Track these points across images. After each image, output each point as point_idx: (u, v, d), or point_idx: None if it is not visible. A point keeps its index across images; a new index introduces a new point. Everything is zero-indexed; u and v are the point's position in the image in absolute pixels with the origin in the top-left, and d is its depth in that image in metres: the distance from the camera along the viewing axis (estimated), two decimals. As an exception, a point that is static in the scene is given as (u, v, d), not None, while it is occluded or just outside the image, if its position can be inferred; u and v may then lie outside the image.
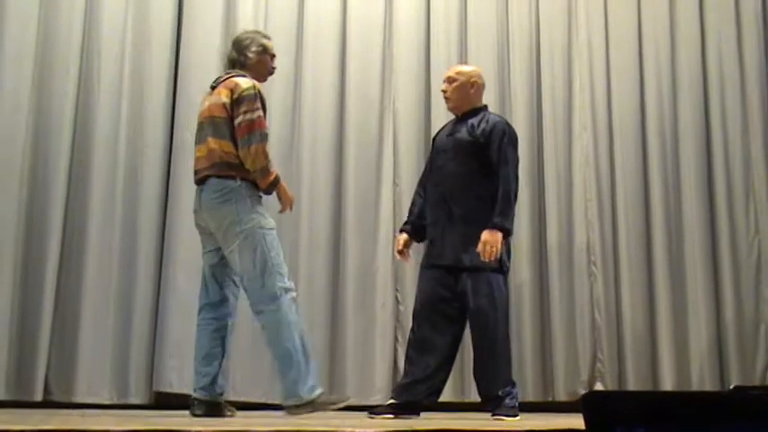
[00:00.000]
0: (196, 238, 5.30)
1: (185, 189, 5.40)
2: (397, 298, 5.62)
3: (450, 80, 4.35)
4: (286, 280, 3.84)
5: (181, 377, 5.18)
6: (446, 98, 4.37)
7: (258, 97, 3.89)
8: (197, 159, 3.99)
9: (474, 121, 4.24)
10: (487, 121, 4.22)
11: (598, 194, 6.07)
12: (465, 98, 4.33)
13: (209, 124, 3.94)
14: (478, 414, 4.26)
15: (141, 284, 5.31)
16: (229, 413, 3.98)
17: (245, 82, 3.91)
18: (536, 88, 6.16)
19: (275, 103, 5.68)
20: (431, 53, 6.04)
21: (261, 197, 3.95)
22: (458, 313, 4.13)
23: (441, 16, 6.09)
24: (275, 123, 5.63)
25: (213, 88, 4.05)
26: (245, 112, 3.83)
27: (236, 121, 3.84)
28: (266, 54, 4.14)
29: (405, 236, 4.40)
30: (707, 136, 6.26)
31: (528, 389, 5.57)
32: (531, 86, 6.15)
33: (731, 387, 0.95)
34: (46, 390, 5.05)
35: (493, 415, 3.99)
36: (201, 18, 5.65)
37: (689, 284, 5.99)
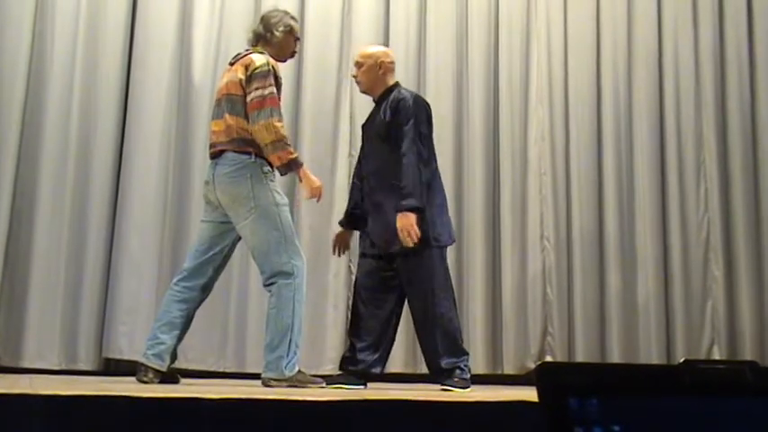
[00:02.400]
0: (150, 203, 5.31)
1: (138, 153, 5.38)
2: (350, 267, 5.62)
3: (358, 65, 4.31)
4: (299, 257, 3.87)
5: (131, 343, 5.15)
6: (357, 82, 4.35)
7: (271, 74, 3.89)
8: (213, 133, 4.00)
9: (385, 102, 4.22)
10: (393, 99, 4.18)
11: (552, 169, 6.11)
12: (375, 80, 4.27)
13: (227, 101, 3.94)
14: (429, 385, 4.29)
15: (92, 249, 5.26)
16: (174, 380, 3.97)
17: (259, 59, 3.91)
18: (493, 63, 6.17)
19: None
20: (389, 24, 6.02)
21: (274, 174, 3.94)
22: (396, 285, 4.15)
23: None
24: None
25: (232, 64, 4.05)
26: (257, 89, 3.84)
27: (248, 98, 3.84)
28: (291, 35, 4.14)
29: (339, 230, 4.41)
30: (660, 113, 6.33)
31: (478, 361, 5.61)
32: (488, 61, 6.16)
33: (681, 361, 0.97)
34: (-7, 354, 4.99)
35: (441, 386, 4.02)
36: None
37: (639, 260, 6.07)
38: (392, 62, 4.36)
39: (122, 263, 5.25)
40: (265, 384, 3.76)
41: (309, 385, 3.77)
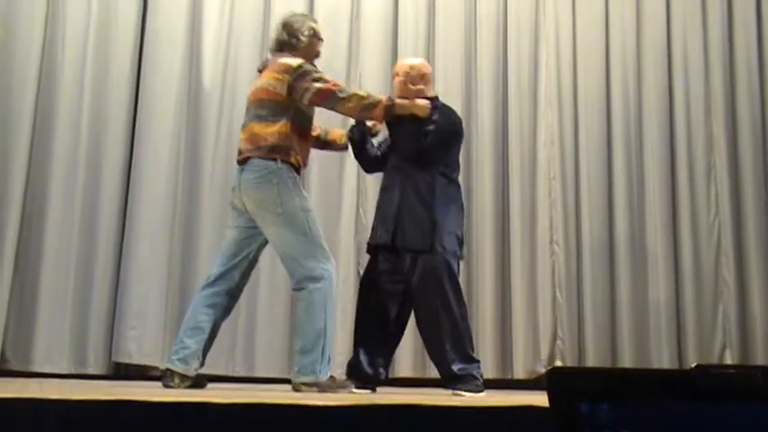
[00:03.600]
0: (159, 208, 5.32)
1: (148, 158, 5.38)
2: (358, 272, 5.61)
3: (406, 74, 4.31)
4: (328, 261, 3.88)
5: (140, 348, 5.16)
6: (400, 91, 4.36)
7: (312, 67, 3.95)
8: (240, 141, 4.01)
9: None
10: (435, 113, 4.19)
11: (562, 173, 6.10)
12: (418, 91, 4.28)
13: (256, 106, 3.96)
14: (438, 390, 4.28)
15: (102, 254, 5.27)
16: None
17: (294, 60, 3.94)
18: (502, 66, 6.16)
19: (241, 75, 5.65)
20: (398, 28, 6.03)
21: (300, 179, 3.96)
22: (401, 290, 4.15)
23: (409, -6, 6.07)
24: (243, 99, 5.58)
25: (260, 71, 4.07)
26: (315, 81, 3.88)
27: (310, 93, 3.87)
28: (316, 38, 4.16)
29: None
30: (670, 117, 6.32)
31: (487, 366, 5.57)
32: (497, 64, 6.15)
33: (693, 366, 0.96)
34: (2, 358, 5.00)
35: (453, 391, 4.01)
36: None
37: (650, 264, 6.05)
38: (431, 73, 4.45)
39: (131, 268, 5.26)
40: (295, 389, 3.75)
41: (340, 390, 3.76)
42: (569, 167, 6.13)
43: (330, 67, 5.78)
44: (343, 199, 5.63)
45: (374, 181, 5.54)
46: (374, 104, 3.93)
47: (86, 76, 5.39)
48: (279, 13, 5.69)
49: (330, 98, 3.91)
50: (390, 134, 4.30)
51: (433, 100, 4.28)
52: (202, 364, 3.94)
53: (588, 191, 6.11)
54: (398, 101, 4.03)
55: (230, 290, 3.95)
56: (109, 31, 5.47)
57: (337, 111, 3.98)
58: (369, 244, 4.33)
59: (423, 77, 4.31)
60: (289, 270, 3.90)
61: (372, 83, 5.79)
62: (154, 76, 5.50)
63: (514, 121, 6.08)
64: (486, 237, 5.86)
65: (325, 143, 4.35)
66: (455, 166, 4.27)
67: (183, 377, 3.80)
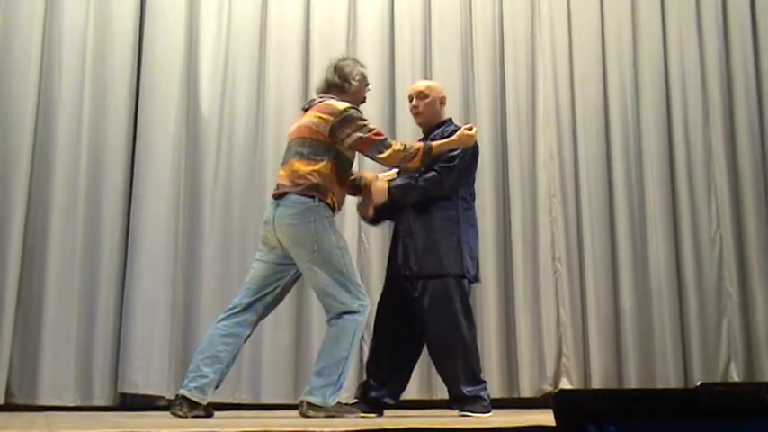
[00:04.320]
0: (160, 238, 5.32)
1: (149, 189, 5.38)
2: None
3: (422, 95, 4.36)
4: (364, 296, 3.92)
5: (146, 378, 5.15)
6: (417, 113, 4.39)
7: (358, 113, 3.98)
8: (279, 176, 4.03)
9: (436, 134, 4.28)
10: (446, 133, 4.24)
11: (562, 191, 6.11)
12: (435, 113, 4.37)
13: (298, 144, 3.98)
14: (447, 411, 4.28)
15: (105, 284, 5.26)
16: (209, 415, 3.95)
17: (340, 104, 3.98)
18: (500, 85, 6.18)
19: (239, 101, 5.68)
20: (395, 50, 6.05)
21: (335, 219, 3.99)
22: (417, 317, 4.16)
23: (405, 13, 6.10)
24: (241, 125, 5.63)
25: (306, 110, 4.10)
26: (358, 129, 3.92)
27: (352, 139, 3.91)
28: (364, 83, 4.21)
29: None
30: (669, 132, 6.33)
31: (493, 385, 5.55)
32: (494, 83, 6.17)
33: (698, 384, 0.97)
34: (8, 392, 4.98)
35: (460, 412, 4.02)
36: (164, 17, 5.62)
37: (652, 280, 6.05)
38: (446, 97, 4.46)
39: (135, 298, 5.25)
40: (303, 414, 3.75)
41: (347, 415, 3.77)
42: (569, 184, 6.14)
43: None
44: (344, 224, 5.62)
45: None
46: (412, 155, 3.97)
47: (84, 104, 5.39)
48: (275, 39, 5.77)
49: (370, 148, 3.95)
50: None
51: (447, 122, 4.34)
52: (216, 389, 3.92)
53: (589, 207, 6.11)
54: (435, 144, 4.07)
55: (253, 321, 3.97)
56: (105, 59, 5.48)
57: (376, 160, 4.01)
58: (388, 270, 4.34)
59: (441, 101, 4.39)
60: (325, 306, 3.93)
61: (370, 103, 5.80)
62: (152, 104, 5.51)
63: (513, 139, 6.10)
64: (489, 256, 5.86)
65: (357, 188, 4.35)
66: (472, 191, 4.34)
67: (194, 405, 3.79)
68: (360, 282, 3.96)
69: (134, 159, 5.46)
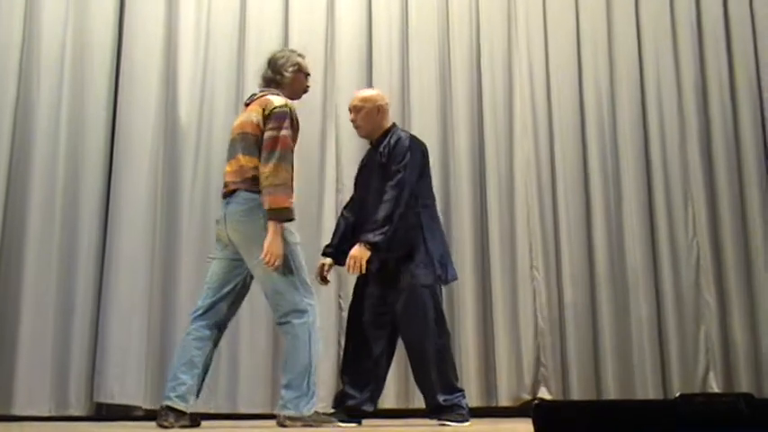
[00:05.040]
0: (137, 247, 5.29)
1: (126, 199, 5.36)
2: (339, 304, 5.60)
3: (356, 109, 4.34)
4: (312, 295, 3.88)
5: (123, 387, 5.12)
6: (356, 127, 4.37)
7: (289, 116, 3.89)
8: (227, 173, 3.99)
9: (382, 144, 4.27)
10: (391, 140, 4.24)
11: (539, 199, 6.12)
12: (374, 124, 4.33)
13: (241, 140, 3.94)
14: (425, 421, 4.28)
15: (81, 293, 5.23)
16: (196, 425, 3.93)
17: (277, 100, 3.93)
18: (476, 93, 6.20)
19: (217, 114, 5.66)
20: (373, 60, 6.05)
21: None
22: (388, 322, 4.16)
23: (382, 22, 6.11)
24: (220, 133, 5.61)
25: (247, 105, 4.07)
26: (272, 129, 3.84)
27: (264, 137, 3.85)
28: (301, 73, 4.15)
29: (328, 260, 4.36)
30: (645, 139, 6.36)
31: (471, 394, 5.57)
32: (471, 91, 6.18)
33: (677, 395, 0.97)
34: (-18, 403, 4.94)
35: (439, 421, 4.01)
36: (142, 27, 5.62)
37: (630, 288, 6.06)
38: (388, 104, 4.41)
39: (111, 307, 5.22)
40: (280, 424, 3.74)
41: (324, 425, 3.76)
42: (546, 193, 6.16)
43: (306, 101, 5.79)
44: (322, 232, 5.62)
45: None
46: (283, 194, 3.78)
47: (62, 114, 5.38)
48: (253, 47, 5.77)
49: (268, 151, 3.81)
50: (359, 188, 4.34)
51: (392, 129, 4.31)
52: (196, 398, 3.90)
53: (566, 216, 6.13)
54: (284, 227, 3.83)
55: (218, 322, 3.94)
56: (84, 69, 5.47)
57: (264, 168, 3.80)
58: (357, 278, 4.32)
59: (379, 110, 4.33)
60: (272, 304, 3.89)
61: (348, 115, 5.79)
62: (130, 114, 5.50)
63: (490, 147, 6.11)
64: (467, 264, 5.87)
65: None
66: (430, 191, 4.29)
67: (180, 414, 3.77)
68: (308, 280, 3.91)
69: (111, 169, 5.45)
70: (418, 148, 4.24)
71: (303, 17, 5.97)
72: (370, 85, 5.92)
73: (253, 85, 5.69)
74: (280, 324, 3.87)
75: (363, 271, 4.03)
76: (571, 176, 6.21)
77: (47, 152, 5.32)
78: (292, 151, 3.90)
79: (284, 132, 3.84)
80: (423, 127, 5.90)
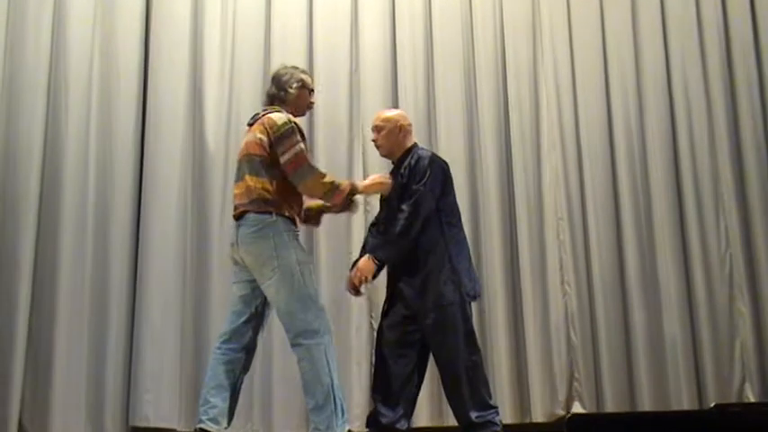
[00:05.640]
0: (168, 272, 5.33)
1: (156, 223, 5.40)
2: (371, 323, 5.60)
3: (378, 129, 4.36)
4: (324, 314, 3.88)
5: (157, 411, 5.15)
6: (377, 146, 4.39)
7: (296, 131, 3.91)
8: (235, 196, 4.01)
9: (404, 164, 4.27)
10: (413, 159, 4.24)
11: (569, 213, 6.10)
12: (395, 144, 4.34)
13: (247, 162, 3.95)
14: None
15: (114, 320, 5.27)
16: None
17: (279, 118, 3.93)
18: (503, 109, 6.19)
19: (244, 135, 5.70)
20: (398, 78, 6.06)
21: (298, 233, 3.96)
22: (418, 339, 4.15)
23: (406, 40, 6.13)
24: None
25: (250, 125, 4.07)
26: (288, 150, 3.86)
27: (282, 161, 3.86)
28: (305, 89, 4.16)
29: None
30: (675, 151, 6.31)
31: (505, 411, 5.54)
32: (498, 108, 6.17)
33: (712, 405, 0.96)
34: (20, 427, 4.99)
35: (472, 438, 4.00)
36: (168, 52, 5.67)
37: (663, 300, 6.01)
38: (410, 124, 4.42)
39: (145, 333, 5.26)
40: None
41: None
42: (576, 207, 6.13)
43: (332, 120, 5.85)
44: (352, 249, 5.63)
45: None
46: (336, 192, 3.91)
47: (91, 141, 5.43)
48: (278, 61, 5.77)
49: (297, 172, 3.86)
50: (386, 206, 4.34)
51: (413, 149, 4.31)
52: (230, 423, 3.91)
53: (597, 229, 6.10)
54: (361, 185, 4.08)
55: (245, 346, 3.95)
56: (111, 96, 5.52)
57: (298, 186, 3.90)
58: (387, 298, 4.32)
59: (400, 129, 4.34)
60: (285, 325, 3.88)
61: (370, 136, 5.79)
62: (158, 140, 5.54)
63: (518, 163, 6.09)
64: (498, 281, 5.85)
65: (308, 218, 4.28)
66: (453, 209, 4.27)
67: None
68: (319, 299, 3.91)
69: (141, 192, 5.49)
70: (439, 167, 4.24)
71: (327, 37, 6.00)
72: (395, 103, 5.94)
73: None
74: (293, 346, 3.85)
75: (367, 283, 4.10)
76: (600, 190, 6.18)
77: (77, 179, 5.36)
78: (311, 160, 3.94)
79: (298, 148, 3.86)
80: (449, 144, 5.91)
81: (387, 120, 4.36)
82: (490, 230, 5.90)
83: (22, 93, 5.36)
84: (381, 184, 4.16)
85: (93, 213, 5.34)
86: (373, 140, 4.40)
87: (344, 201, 3.97)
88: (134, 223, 5.44)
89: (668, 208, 6.18)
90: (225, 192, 5.60)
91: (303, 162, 3.86)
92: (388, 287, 4.32)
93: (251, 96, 5.77)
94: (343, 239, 5.70)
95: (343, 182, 3.99)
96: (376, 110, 5.87)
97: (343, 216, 5.63)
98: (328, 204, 4.05)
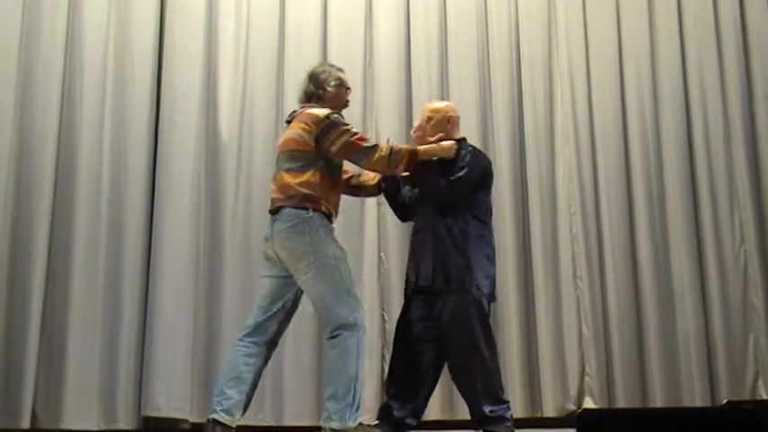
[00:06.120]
0: (181, 262, 5.34)
1: (170, 214, 5.41)
2: (383, 317, 5.61)
3: (428, 119, 4.34)
4: (360, 308, 3.90)
5: (169, 401, 5.16)
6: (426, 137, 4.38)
7: (340, 119, 3.97)
8: (272, 191, 4.04)
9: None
10: (465, 156, 4.20)
11: (582, 208, 6.08)
12: (443, 134, 4.32)
13: (285, 157, 3.99)
14: (469, 432, 4.26)
15: (127, 309, 5.28)
16: None
17: (321, 111, 3.97)
18: (517, 103, 6.18)
19: (258, 126, 5.71)
20: (412, 70, 6.06)
21: (333, 228, 3.99)
22: (437, 334, 4.14)
23: (421, 32, 6.12)
24: (260, 148, 5.65)
25: (288, 122, 4.11)
26: (338, 138, 3.91)
27: (333, 150, 3.91)
28: (343, 87, 4.20)
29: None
30: (689, 147, 6.29)
31: (516, 405, 5.52)
32: (512, 102, 6.17)
33: (724, 402, 0.96)
34: (33, 417, 5.00)
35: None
36: (182, 43, 5.68)
37: (676, 296, 6.00)
38: (458, 116, 4.41)
39: (157, 322, 5.27)
40: None
41: None
42: (589, 201, 6.12)
43: (345, 112, 5.82)
44: (364, 244, 5.64)
45: (395, 226, 5.58)
46: (398, 159, 3.96)
47: (105, 129, 5.43)
48: (292, 64, 5.80)
49: (356, 153, 3.93)
50: (417, 183, 4.30)
51: (460, 142, 4.30)
52: (242, 415, 3.92)
53: (610, 224, 6.09)
54: (422, 148, 4.08)
55: (269, 340, 3.97)
56: (125, 84, 5.53)
57: (362, 166, 4.01)
58: (405, 289, 4.32)
59: (449, 120, 4.33)
60: (323, 318, 3.92)
61: (388, 128, 5.80)
62: (171, 129, 5.54)
63: (532, 158, 6.09)
64: (509, 274, 5.84)
65: (356, 187, 4.40)
66: (487, 209, 4.27)
67: (226, 429, 3.80)
68: (357, 294, 3.93)
69: (155, 181, 5.49)
70: (482, 163, 4.25)
71: (341, 29, 6.00)
72: (409, 99, 5.93)
73: (292, 101, 5.76)
74: (329, 338, 3.86)
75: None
76: (614, 185, 6.16)
77: (91, 169, 5.37)
78: (364, 137, 4.00)
79: (348, 134, 3.92)
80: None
81: (435, 110, 4.36)
82: (503, 223, 5.88)
83: (37, 81, 5.37)
84: (445, 149, 4.13)
85: (107, 202, 5.36)
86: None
87: (409, 166, 4.00)
88: (147, 212, 5.46)
89: (682, 202, 6.16)
90: (238, 181, 5.62)
91: (356, 146, 3.92)
92: (406, 280, 4.32)
93: (264, 86, 5.79)
94: (355, 233, 5.70)
95: (401, 148, 4.01)
96: (389, 104, 5.92)
97: (356, 214, 5.67)
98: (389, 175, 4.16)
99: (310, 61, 5.80)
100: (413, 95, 5.96)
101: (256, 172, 5.64)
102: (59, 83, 5.40)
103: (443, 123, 4.31)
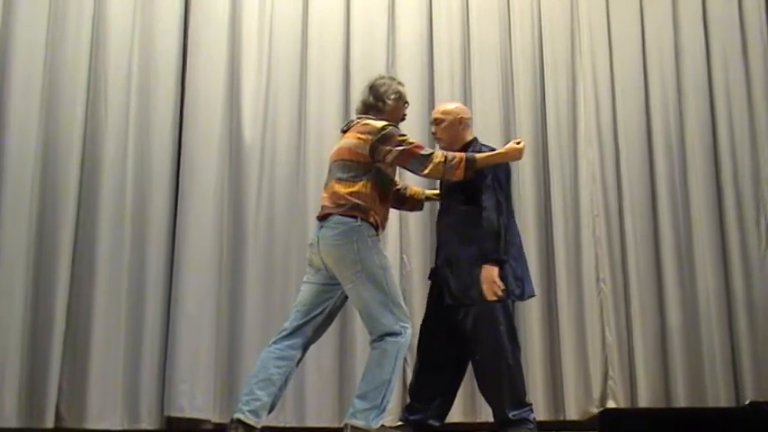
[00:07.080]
0: (205, 263, 5.36)
1: (193, 214, 5.44)
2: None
3: (437, 121, 4.36)
4: (407, 318, 3.92)
5: (192, 401, 5.19)
6: (437, 139, 4.40)
7: (397, 130, 4.02)
8: (323, 198, 4.08)
9: None
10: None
11: (605, 210, 6.06)
12: (455, 136, 4.33)
13: (338, 166, 4.04)
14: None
15: (151, 309, 5.32)
16: None
17: (377, 122, 4.02)
18: (540, 105, 6.16)
19: (281, 129, 5.72)
20: (434, 73, 6.05)
21: (379, 238, 4.00)
22: (462, 335, 4.14)
23: (443, 35, 6.11)
24: (283, 153, 5.67)
25: (344, 131, 4.15)
26: (394, 148, 3.95)
27: (389, 159, 3.96)
28: (401, 101, 4.24)
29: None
30: (714, 149, 6.25)
31: (539, 408, 5.49)
32: (535, 104, 6.15)
33: (746, 402, 0.95)
34: (57, 416, 5.05)
35: (507, 436, 4.00)
36: (206, 47, 5.71)
37: (700, 299, 5.95)
38: (470, 118, 4.44)
39: (180, 323, 5.29)
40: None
41: None
42: (612, 204, 6.08)
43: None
44: (386, 246, 5.63)
45: (417, 227, 5.58)
46: (455, 166, 3.97)
47: (130, 133, 5.47)
48: (315, 68, 5.82)
49: (412, 162, 3.97)
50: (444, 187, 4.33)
51: (473, 143, 4.30)
52: (268, 415, 3.93)
53: (633, 227, 6.05)
54: (479, 155, 4.07)
55: (304, 344, 3.99)
56: (150, 88, 5.57)
57: (419, 174, 4.03)
58: (431, 292, 4.32)
59: (461, 122, 4.33)
60: (367, 326, 3.93)
61: (411, 130, 5.77)
62: (195, 133, 5.57)
63: (554, 158, 6.06)
64: (533, 277, 5.74)
65: (404, 199, 4.44)
66: (511, 208, 4.27)
67: (250, 429, 3.81)
68: (403, 303, 3.95)
69: (178, 184, 5.52)
70: (504, 166, 4.24)
71: (364, 32, 6.00)
72: (431, 98, 5.93)
73: (315, 103, 5.79)
74: (372, 343, 3.89)
75: (503, 289, 4.01)
76: (637, 188, 6.13)
77: (115, 171, 5.40)
78: (420, 145, 4.03)
79: (405, 144, 3.96)
80: (485, 140, 5.71)
81: (447, 112, 4.37)
82: (526, 226, 5.86)
83: (62, 86, 5.43)
84: (505, 154, 4.15)
85: (132, 205, 5.39)
86: (433, 133, 4.42)
87: (466, 173, 4.00)
88: (171, 215, 5.49)
89: (707, 206, 6.12)
90: (260, 184, 5.63)
91: (413, 153, 3.96)
92: (432, 280, 4.32)
93: (288, 90, 5.80)
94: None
95: (459, 155, 4.02)
96: (412, 104, 5.87)
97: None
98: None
99: (333, 64, 5.86)
100: (435, 97, 5.95)
101: (279, 173, 5.67)
102: (84, 88, 5.45)
103: (456, 125, 4.31)
